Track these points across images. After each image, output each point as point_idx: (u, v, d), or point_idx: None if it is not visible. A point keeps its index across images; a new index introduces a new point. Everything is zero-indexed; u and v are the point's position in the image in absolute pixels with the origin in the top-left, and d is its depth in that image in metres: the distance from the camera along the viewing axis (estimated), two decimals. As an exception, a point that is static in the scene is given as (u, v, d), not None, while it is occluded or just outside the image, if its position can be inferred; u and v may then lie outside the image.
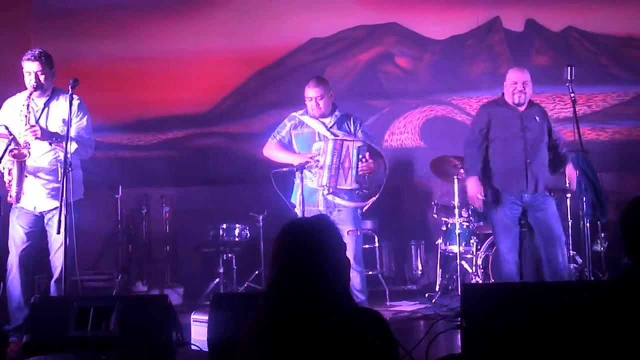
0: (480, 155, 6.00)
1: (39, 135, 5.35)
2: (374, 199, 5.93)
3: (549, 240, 5.76)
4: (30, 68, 5.53)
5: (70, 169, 5.16)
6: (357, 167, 5.77)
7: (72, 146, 5.41)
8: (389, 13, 8.88)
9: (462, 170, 7.05)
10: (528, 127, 5.91)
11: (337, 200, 5.82)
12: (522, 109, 5.98)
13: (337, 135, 5.91)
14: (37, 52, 5.57)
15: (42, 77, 5.54)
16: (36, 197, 5.55)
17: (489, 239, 7.14)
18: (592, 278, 6.09)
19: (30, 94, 5.52)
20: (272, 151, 6.15)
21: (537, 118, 6.00)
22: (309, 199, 5.83)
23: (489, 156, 6.04)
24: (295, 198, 5.95)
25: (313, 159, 5.84)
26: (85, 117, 5.69)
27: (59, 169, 5.33)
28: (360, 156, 5.81)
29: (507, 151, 5.95)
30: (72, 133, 5.49)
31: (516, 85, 5.97)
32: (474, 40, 8.94)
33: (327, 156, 5.77)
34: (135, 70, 8.69)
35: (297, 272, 2.43)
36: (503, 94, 6.12)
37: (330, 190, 5.77)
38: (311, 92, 5.99)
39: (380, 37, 8.94)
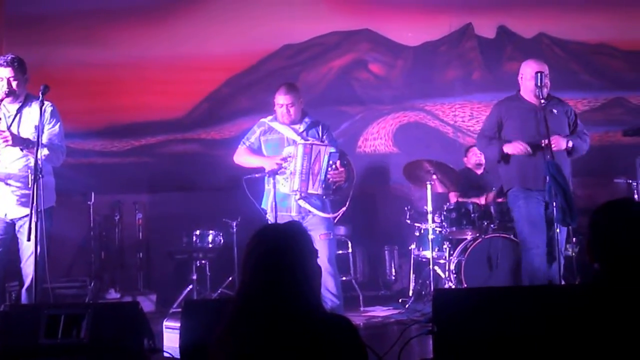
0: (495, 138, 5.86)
1: (9, 142, 5.30)
2: (343, 209, 5.93)
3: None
4: (3, 74, 5.47)
5: (41, 175, 5.10)
6: (327, 173, 5.76)
7: (43, 152, 5.37)
8: (362, 19, 8.93)
9: (434, 176, 7.08)
10: (546, 121, 5.54)
11: (309, 207, 5.82)
12: (540, 102, 5.64)
13: (307, 140, 5.90)
14: (9, 57, 5.51)
15: (14, 83, 5.48)
16: (7, 205, 5.50)
17: (462, 244, 7.18)
18: (564, 282, 6.13)
19: (1, 100, 5.46)
20: (242, 157, 6.12)
21: (555, 111, 5.79)
22: (281, 205, 5.81)
23: (506, 156, 5.82)
24: (267, 204, 5.92)
25: (285, 160, 5.83)
26: (58, 124, 5.64)
27: (30, 175, 5.28)
28: (331, 162, 5.79)
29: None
30: (44, 140, 5.45)
31: (539, 76, 5.62)
32: (447, 47, 9.01)
33: (298, 161, 5.75)
34: (108, 76, 8.65)
35: (267, 279, 2.44)
36: (518, 90, 5.90)
37: (302, 194, 5.76)
38: (282, 99, 5.97)
39: (353, 43, 8.98)
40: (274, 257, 2.47)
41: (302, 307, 2.41)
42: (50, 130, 5.58)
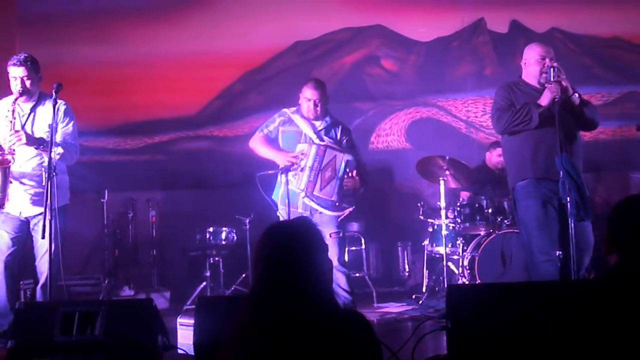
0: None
1: (23, 141, 5.32)
2: (349, 209, 5.95)
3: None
4: (16, 73, 5.50)
5: (54, 174, 5.13)
6: (343, 181, 5.79)
7: (57, 151, 5.39)
8: (374, 15, 8.91)
9: (447, 172, 7.06)
10: (558, 105, 5.18)
11: (314, 205, 5.83)
12: (543, 88, 5.31)
13: (323, 141, 5.91)
14: (22, 56, 5.54)
15: (28, 82, 5.52)
16: (21, 203, 5.53)
17: (475, 240, 7.17)
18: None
19: (16, 99, 5.49)
20: (257, 144, 6.14)
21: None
22: (290, 200, 5.82)
23: (517, 145, 5.41)
24: (277, 195, 5.95)
25: (297, 158, 5.84)
26: (72, 122, 5.67)
27: (44, 174, 5.30)
28: (348, 170, 5.82)
29: (536, 136, 5.31)
30: (58, 138, 5.48)
31: (545, 60, 5.36)
32: (459, 42, 8.98)
33: (309, 160, 5.77)
34: (121, 74, 8.68)
35: (278, 275, 2.44)
36: (520, 75, 5.57)
37: (307, 194, 5.78)
38: (310, 93, 5.98)
39: (365, 39, 8.97)
40: (285, 253, 2.47)
41: (314, 303, 2.41)
42: (64, 129, 5.61)
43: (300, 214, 5.75)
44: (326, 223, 5.76)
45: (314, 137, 5.94)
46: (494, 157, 7.98)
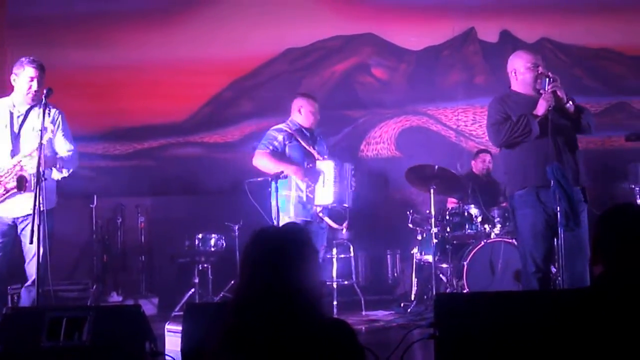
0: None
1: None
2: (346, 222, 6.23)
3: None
4: (31, 74, 5.49)
5: (43, 178, 5.11)
6: (352, 187, 6.13)
7: (65, 174, 5.53)
8: (365, 24, 8.93)
9: (437, 181, 7.07)
10: (553, 115, 5.12)
11: (327, 220, 6.04)
12: (538, 94, 5.23)
13: (323, 153, 6.20)
14: (33, 58, 5.54)
15: (36, 84, 5.50)
16: (9, 205, 5.50)
17: (464, 249, 7.17)
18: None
19: (33, 100, 5.50)
20: (265, 161, 6.17)
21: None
22: (297, 211, 6.01)
23: (515, 153, 5.29)
24: (286, 208, 6.07)
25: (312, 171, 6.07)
26: (69, 132, 5.70)
27: (32, 178, 5.28)
28: (353, 177, 6.14)
29: (534, 145, 5.19)
30: (62, 150, 5.57)
31: (538, 68, 5.29)
32: (450, 51, 9.02)
33: (329, 176, 5.99)
34: (110, 80, 8.66)
35: (265, 280, 2.43)
36: (509, 87, 5.49)
37: (335, 205, 6.03)
38: (313, 105, 6.23)
39: (356, 47, 8.99)
40: (273, 258, 2.46)
41: (301, 309, 2.40)
42: (67, 144, 5.63)
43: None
44: (321, 236, 6.03)
45: (315, 153, 6.14)
46: (479, 164, 8.10)
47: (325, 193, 5.98)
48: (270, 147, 6.14)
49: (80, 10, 8.84)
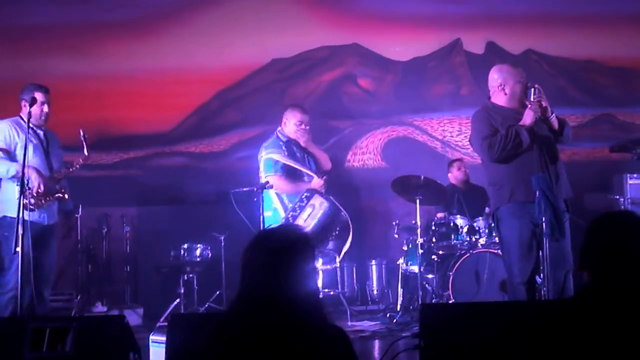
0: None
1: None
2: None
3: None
4: (44, 98, 5.86)
5: (27, 187, 5.12)
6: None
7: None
8: (351, 34, 8.94)
9: (423, 191, 7.08)
10: (536, 126, 5.17)
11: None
12: (524, 107, 5.26)
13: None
14: (40, 84, 5.92)
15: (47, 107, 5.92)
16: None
17: (450, 259, 7.17)
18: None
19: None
20: (281, 186, 6.30)
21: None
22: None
23: (501, 166, 5.28)
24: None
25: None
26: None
27: (16, 187, 5.28)
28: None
29: (520, 157, 5.22)
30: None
31: (526, 82, 5.32)
32: (436, 62, 9.04)
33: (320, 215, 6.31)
34: (96, 89, 8.61)
35: (265, 281, 2.43)
36: (489, 98, 5.53)
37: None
38: (304, 117, 6.29)
39: (342, 58, 9.00)
40: (273, 259, 2.47)
41: (299, 313, 2.40)
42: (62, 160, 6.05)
43: None
44: None
45: (306, 170, 6.41)
46: (455, 172, 8.17)
47: (306, 224, 6.01)
48: (280, 172, 6.30)
49: (65, 20, 8.79)
